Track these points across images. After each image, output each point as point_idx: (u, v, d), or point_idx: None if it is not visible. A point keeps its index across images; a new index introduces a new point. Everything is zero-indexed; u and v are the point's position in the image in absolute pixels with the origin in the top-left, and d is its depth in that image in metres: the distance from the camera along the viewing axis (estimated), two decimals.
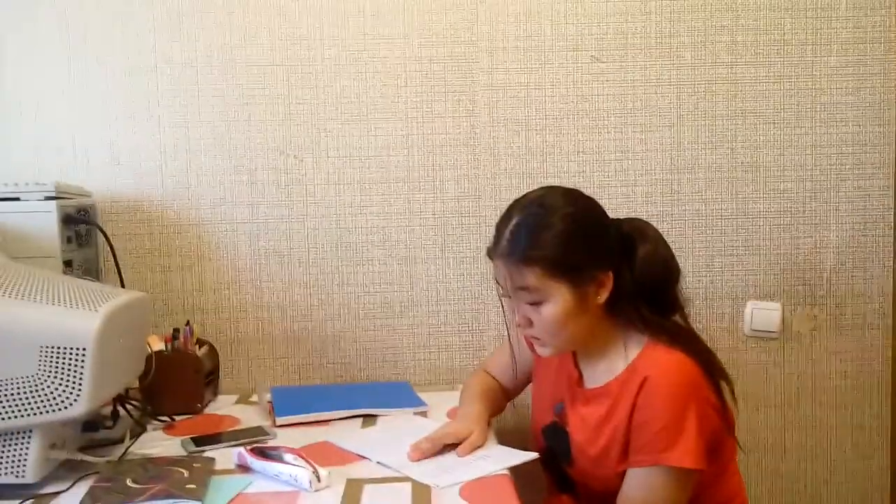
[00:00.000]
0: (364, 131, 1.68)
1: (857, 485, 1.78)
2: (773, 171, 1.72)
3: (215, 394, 1.63)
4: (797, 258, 1.73)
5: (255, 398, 1.60)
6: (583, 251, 1.16)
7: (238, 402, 1.60)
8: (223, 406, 1.56)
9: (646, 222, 1.26)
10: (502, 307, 1.28)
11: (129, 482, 1.10)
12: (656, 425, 1.11)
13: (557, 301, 1.15)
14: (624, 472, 1.16)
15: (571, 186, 1.24)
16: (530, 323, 1.19)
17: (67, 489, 1.11)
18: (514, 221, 1.17)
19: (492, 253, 1.20)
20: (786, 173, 1.72)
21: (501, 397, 1.46)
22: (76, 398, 1.07)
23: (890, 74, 1.70)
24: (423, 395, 1.54)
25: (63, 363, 1.06)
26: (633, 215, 1.30)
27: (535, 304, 1.17)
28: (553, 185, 1.25)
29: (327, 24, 1.66)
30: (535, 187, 1.24)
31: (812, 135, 1.71)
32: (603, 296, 1.18)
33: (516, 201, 1.22)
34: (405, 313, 1.72)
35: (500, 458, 1.19)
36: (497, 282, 1.22)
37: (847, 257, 1.73)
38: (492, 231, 1.21)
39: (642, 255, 1.19)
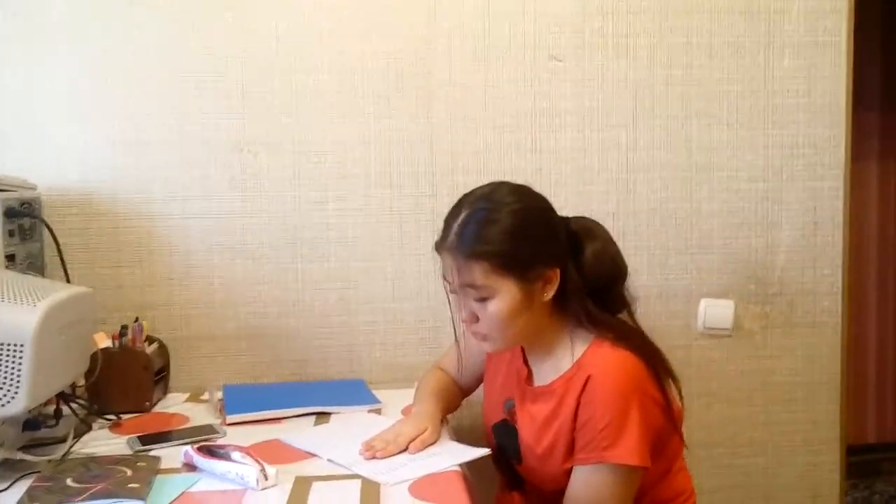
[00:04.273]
0: (320, 126, 1.66)
1: (809, 479, 1.81)
2: (727, 171, 1.74)
3: (165, 392, 1.60)
4: (749, 257, 1.75)
5: (206, 396, 1.57)
6: (530, 247, 1.15)
7: (188, 400, 1.57)
8: (173, 404, 1.53)
9: (594, 221, 1.26)
10: (449, 303, 1.27)
11: (69, 481, 1.07)
12: (600, 423, 1.12)
13: (504, 297, 1.14)
14: (570, 470, 1.16)
15: (522, 182, 1.23)
16: (476, 319, 1.18)
17: (6, 489, 1.09)
18: (462, 216, 1.17)
19: (440, 247, 1.19)
20: (739, 174, 1.74)
21: (456, 394, 1.45)
22: (14, 395, 1.05)
23: (841, 78, 1.73)
24: (379, 393, 1.53)
25: (0, 360, 1.03)
26: (589, 214, 1.31)
27: (482, 299, 1.16)
28: (503, 180, 1.24)
29: (283, 16, 1.64)
30: None
31: (764, 136, 1.74)
32: (549, 293, 1.17)
33: (465, 196, 1.21)
34: (361, 310, 1.70)
35: (451, 455, 1.19)
36: (444, 277, 1.21)
37: (798, 256, 1.76)
38: None
39: (591, 253, 1.20)
